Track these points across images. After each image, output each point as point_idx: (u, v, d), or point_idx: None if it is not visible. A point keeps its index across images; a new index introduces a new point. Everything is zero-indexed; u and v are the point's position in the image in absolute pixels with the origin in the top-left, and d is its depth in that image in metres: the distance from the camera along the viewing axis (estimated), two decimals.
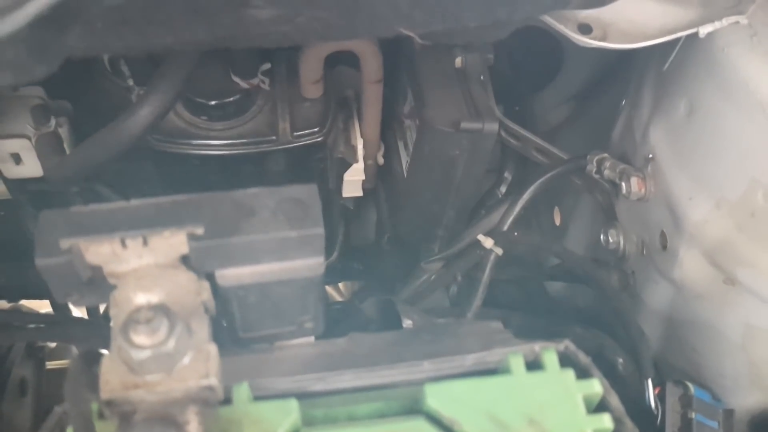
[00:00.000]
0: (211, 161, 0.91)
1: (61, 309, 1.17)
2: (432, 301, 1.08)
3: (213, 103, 0.89)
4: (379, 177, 1.09)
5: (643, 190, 0.76)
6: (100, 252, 0.42)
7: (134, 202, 0.44)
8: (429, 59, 0.92)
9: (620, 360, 0.82)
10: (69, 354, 1.27)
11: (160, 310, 0.39)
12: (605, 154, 0.81)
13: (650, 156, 0.75)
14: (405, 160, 0.99)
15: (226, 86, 0.89)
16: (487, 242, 0.84)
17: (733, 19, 0.64)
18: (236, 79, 0.89)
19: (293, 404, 0.44)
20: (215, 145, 0.90)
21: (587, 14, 0.68)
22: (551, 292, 1.13)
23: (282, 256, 0.44)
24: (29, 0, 0.27)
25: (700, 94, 0.68)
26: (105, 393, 0.39)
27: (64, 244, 0.41)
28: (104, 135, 0.77)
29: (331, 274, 1.23)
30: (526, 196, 0.85)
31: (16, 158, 0.90)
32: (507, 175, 1.10)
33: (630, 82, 0.89)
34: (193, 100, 0.88)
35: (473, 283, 0.91)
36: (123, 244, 0.42)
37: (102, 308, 1.13)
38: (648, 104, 0.78)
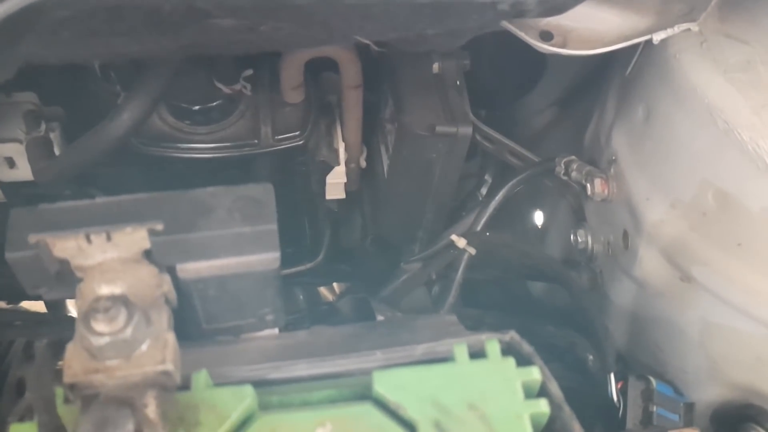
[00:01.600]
0: (195, 165, 0.93)
1: (55, 309, 1.20)
2: (415, 300, 1.11)
3: (196, 108, 0.91)
4: (362, 180, 1.12)
5: (606, 191, 0.78)
6: (66, 247, 0.45)
7: (99, 200, 0.47)
8: (407, 65, 0.95)
9: (590, 357, 0.84)
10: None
11: (119, 299, 0.42)
12: (573, 157, 0.84)
13: (613, 158, 0.78)
14: (386, 163, 1.02)
15: (209, 92, 0.91)
16: (460, 242, 0.86)
17: (685, 26, 0.66)
18: (219, 85, 0.92)
19: (248, 390, 0.46)
20: (199, 149, 0.92)
21: (548, 22, 0.70)
22: (533, 292, 1.15)
23: (238, 251, 0.47)
24: None
25: (655, 99, 0.71)
26: (68, 377, 0.42)
27: (33, 239, 0.44)
28: (89, 138, 0.80)
29: (319, 276, 1.25)
30: (497, 197, 0.88)
31: (10, 162, 0.92)
32: (487, 177, 1.13)
33: (602, 87, 0.91)
34: (177, 105, 0.91)
35: (450, 283, 0.94)
36: (88, 239, 0.45)
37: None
38: (612, 108, 0.81)
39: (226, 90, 0.92)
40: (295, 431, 0.45)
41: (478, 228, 0.89)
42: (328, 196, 1.07)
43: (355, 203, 1.20)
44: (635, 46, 0.71)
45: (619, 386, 0.75)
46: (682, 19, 0.67)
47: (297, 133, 0.95)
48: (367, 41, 0.53)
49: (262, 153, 0.94)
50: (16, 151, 0.91)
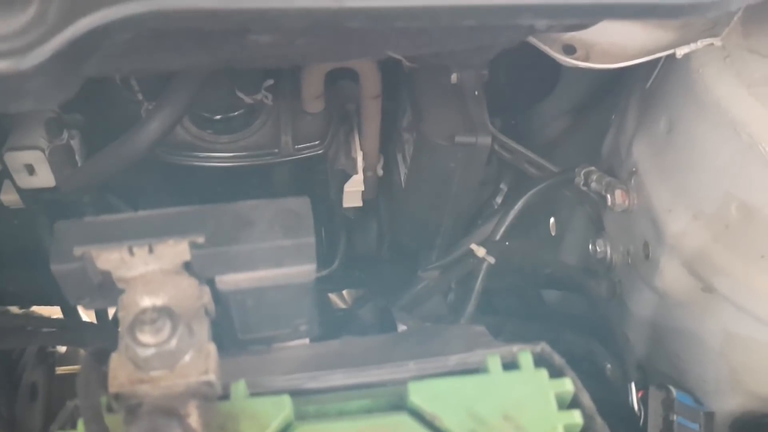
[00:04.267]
0: (216, 173, 0.94)
1: (71, 314, 1.21)
2: (430, 308, 1.11)
3: (218, 117, 0.93)
4: (379, 188, 1.13)
5: (626, 202, 0.79)
6: (109, 259, 0.46)
7: (141, 213, 0.48)
8: (426, 76, 0.95)
9: (608, 365, 0.85)
10: (79, 355, 1.29)
11: (164, 311, 0.43)
12: (592, 168, 0.85)
13: (634, 170, 0.79)
14: (403, 171, 1.03)
15: (231, 101, 0.93)
16: (480, 251, 0.87)
17: (708, 41, 0.67)
18: (241, 95, 0.93)
19: (286, 400, 0.47)
20: (220, 158, 0.94)
21: (571, 36, 0.71)
22: (547, 301, 1.16)
23: (277, 263, 0.48)
24: (52, 37, 0.31)
25: (678, 113, 0.72)
26: (113, 387, 0.43)
27: (77, 251, 0.45)
28: (115, 148, 0.80)
29: (333, 282, 1.26)
30: (516, 207, 0.89)
31: (30, 169, 0.93)
32: (503, 186, 1.14)
33: (620, 97, 0.92)
34: (200, 115, 0.92)
35: (469, 291, 0.95)
36: (130, 251, 0.46)
37: (111, 313, 1.17)
38: (633, 120, 0.82)
39: (247, 100, 0.93)
40: None
41: (497, 237, 0.90)
42: (346, 204, 1.08)
43: (370, 211, 1.21)
44: (655, 60, 0.72)
45: (639, 395, 0.75)
46: (705, 34, 0.68)
47: (317, 142, 0.96)
48: (398, 56, 0.54)
49: (282, 162, 0.95)
50: (36, 158, 0.92)
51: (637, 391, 0.76)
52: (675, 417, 0.74)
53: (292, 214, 0.49)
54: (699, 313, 0.75)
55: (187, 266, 0.48)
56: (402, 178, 1.04)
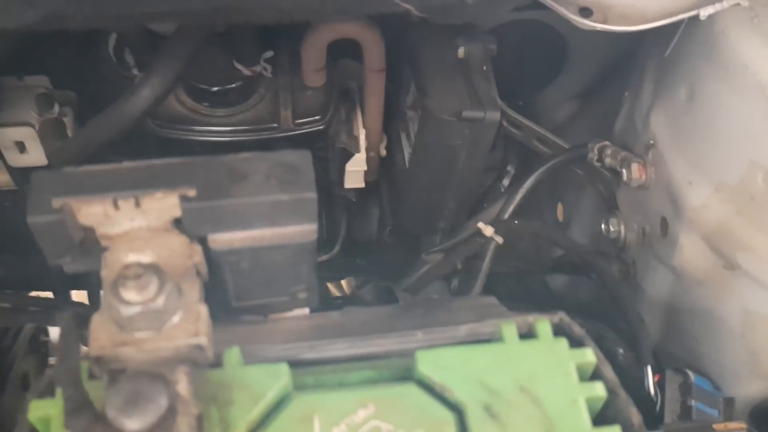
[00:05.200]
0: (213, 148, 0.91)
1: (62, 297, 1.18)
2: (432, 293, 1.08)
3: (215, 89, 0.89)
4: (381, 169, 1.09)
5: (643, 177, 0.75)
6: (92, 213, 0.43)
7: (127, 164, 0.44)
8: (431, 50, 0.92)
9: (620, 350, 0.81)
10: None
11: (150, 267, 0.39)
12: (606, 142, 0.81)
13: (651, 142, 0.75)
14: (407, 151, 0.99)
15: (228, 73, 0.89)
16: (488, 230, 0.84)
17: (733, 1, 0.64)
18: (239, 66, 0.89)
19: (284, 368, 0.43)
20: (217, 132, 0.90)
21: None
22: (552, 286, 1.13)
23: (274, 221, 0.44)
24: None
25: (700, 79, 0.68)
26: (94, 350, 0.39)
27: (56, 203, 0.42)
28: (106, 116, 0.77)
29: (333, 270, 1.22)
30: (527, 184, 0.85)
31: (21, 147, 0.91)
32: (509, 168, 1.11)
33: (632, 74, 0.89)
34: (196, 87, 0.89)
35: (473, 274, 0.91)
36: (115, 205, 0.43)
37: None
38: (649, 91, 0.78)
39: (246, 71, 0.90)
40: (336, 412, 0.42)
41: (506, 216, 0.86)
42: (347, 185, 1.04)
43: (372, 193, 1.18)
44: (676, 25, 0.68)
45: (656, 379, 0.72)
46: None
47: (318, 117, 0.93)
48: (408, 6, 0.50)
49: (281, 137, 0.92)
50: (27, 135, 0.90)
51: (653, 375, 0.72)
52: (693, 402, 0.70)
53: (291, 167, 0.45)
54: (719, 292, 0.71)
55: (177, 223, 0.44)
56: (406, 158, 1.00)
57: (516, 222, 0.85)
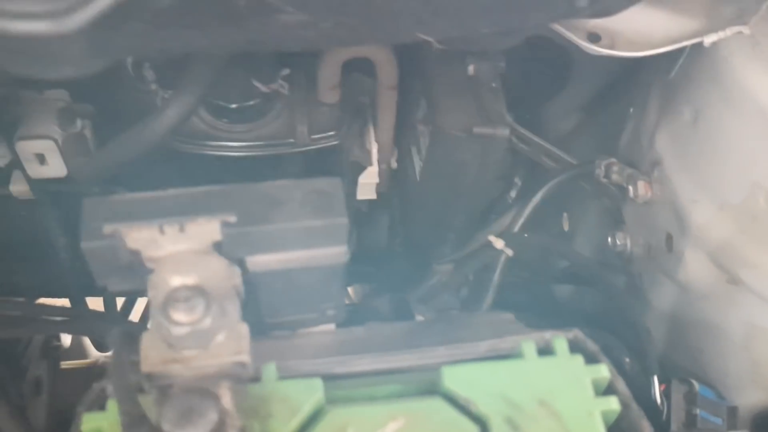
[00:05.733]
0: (231, 162, 0.94)
1: (78, 306, 1.20)
2: (442, 304, 1.11)
3: (234, 106, 0.92)
4: (392, 181, 1.12)
5: (649, 194, 0.78)
6: (139, 237, 0.45)
7: (171, 192, 0.47)
8: (442, 68, 0.95)
9: (626, 359, 0.84)
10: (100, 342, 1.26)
11: (197, 290, 0.42)
12: (613, 159, 0.84)
13: (657, 161, 0.78)
14: (418, 164, 1.02)
15: (247, 90, 0.92)
16: (498, 243, 0.86)
17: (736, 29, 0.66)
18: (257, 84, 0.92)
19: (318, 383, 0.46)
20: (235, 147, 0.93)
21: (596, 23, 0.71)
22: (558, 296, 1.15)
23: (308, 244, 0.47)
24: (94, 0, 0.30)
25: (704, 102, 0.71)
26: (145, 367, 0.42)
27: (108, 229, 0.44)
28: (133, 134, 0.80)
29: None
30: (536, 198, 0.88)
31: (41, 158, 0.92)
32: (517, 181, 1.13)
33: (637, 90, 0.92)
34: (215, 104, 0.92)
35: (483, 285, 0.94)
36: (161, 230, 0.45)
37: (119, 304, 1.16)
38: (655, 111, 0.81)
39: (263, 89, 0.92)
40: (368, 425, 0.45)
41: (516, 229, 0.89)
42: (360, 197, 1.07)
43: (382, 204, 1.21)
44: (680, 50, 0.71)
45: (662, 389, 0.75)
46: (732, 22, 0.67)
47: (332, 132, 0.96)
48: (429, 38, 0.53)
49: (297, 152, 0.95)
50: (48, 147, 0.91)
51: (659, 384, 0.75)
52: (698, 411, 0.73)
53: (324, 194, 0.48)
54: (722, 306, 0.74)
55: (217, 246, 0.47)
56: (416, 171, 1.03)
57: (526, 235, 0.88)
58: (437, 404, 0.46)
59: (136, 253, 0.46)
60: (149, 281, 0.46)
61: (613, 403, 0.46)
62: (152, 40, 0.42)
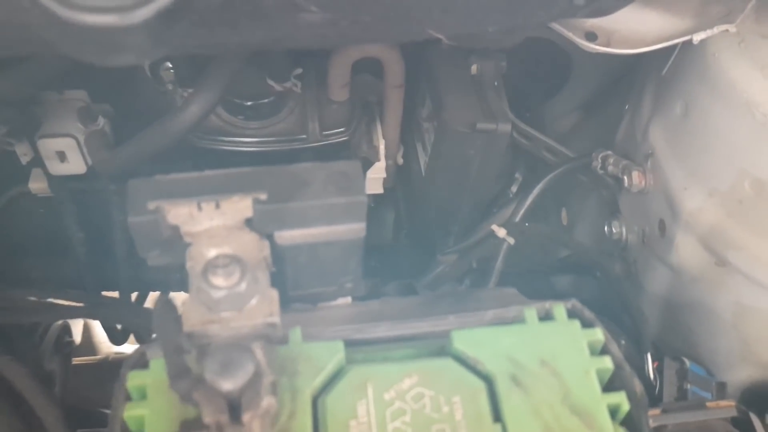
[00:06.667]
0: (246, 158, 0.98)
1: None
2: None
3: (249, 103, 0.96)
4: (398, 176, 1.17)
5: (643, 183, 0.83)
6: (179, 213, 0.50)
7: (208, 173, 0.52)
8: (447, 67, 0.99)
9: (622, 342, 0.89)
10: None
11: (234, 258, 0.47)
12: (609, 152, 0.89)
13: (650, 152, 0.83)
14: (423, 160, 1.07)
15: (261, 89, 0.96)
16: (501, 232, 0.91)
17: (723, 27, 0.71)
18: (271, 83, 0.96)
19: (340, 345, 0.51)
20: (250, 143, 0.97)
21: (593, 23, 0.76)
22: (556, 288, 1.20)
23: (330, 220, 0.52)
24: None
25: (694, 96, 0.76)
26: (187, 326, 0.46)
27: (152, 205, 0.49)
28: (156, 130, 0.84)
29: None
30: (536, 189, 0.93)
31: (62, 156, 0.95)
32: (518, 176, 1.18)
33: (632, 88, 0.97)
34: (232, 101, 0.96)
35: (485, 274, 0.99)
36: (199, 207, 0.50)
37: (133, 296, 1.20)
38: (648, 106, 0.86)
39: (277, 87, 0.97)
40: (385, 381, 0.50)
41: (517, 219, 0.94)
42: (368, 191, 1.11)
43: (387, 199, 1.25)
44: (672, 47, 0.76)
45: (655, 366, 0.79)
46: (720, 21, 0.72)
47: (342, 129, 1.00)
48: (439, 35, 0.58)
49: (309, 147, 0.99)
50: (68, 145, 0.94)
51: (652, 362, 0.80)
52: (688, 386, 0.78)
53: (345, 175, 0.53)
54: (712, 287, 0.79)
55: (249, 222, 0.52)
56: (422, 166, 1.07)
57: (527, 225, 0.93)
58: (448, 363, 0.51)
59: (175, 228, 0.51)
60: (188, 253, 0.50)
61: (607, 362, 0.51)
62: (193, 38, 0.47)
